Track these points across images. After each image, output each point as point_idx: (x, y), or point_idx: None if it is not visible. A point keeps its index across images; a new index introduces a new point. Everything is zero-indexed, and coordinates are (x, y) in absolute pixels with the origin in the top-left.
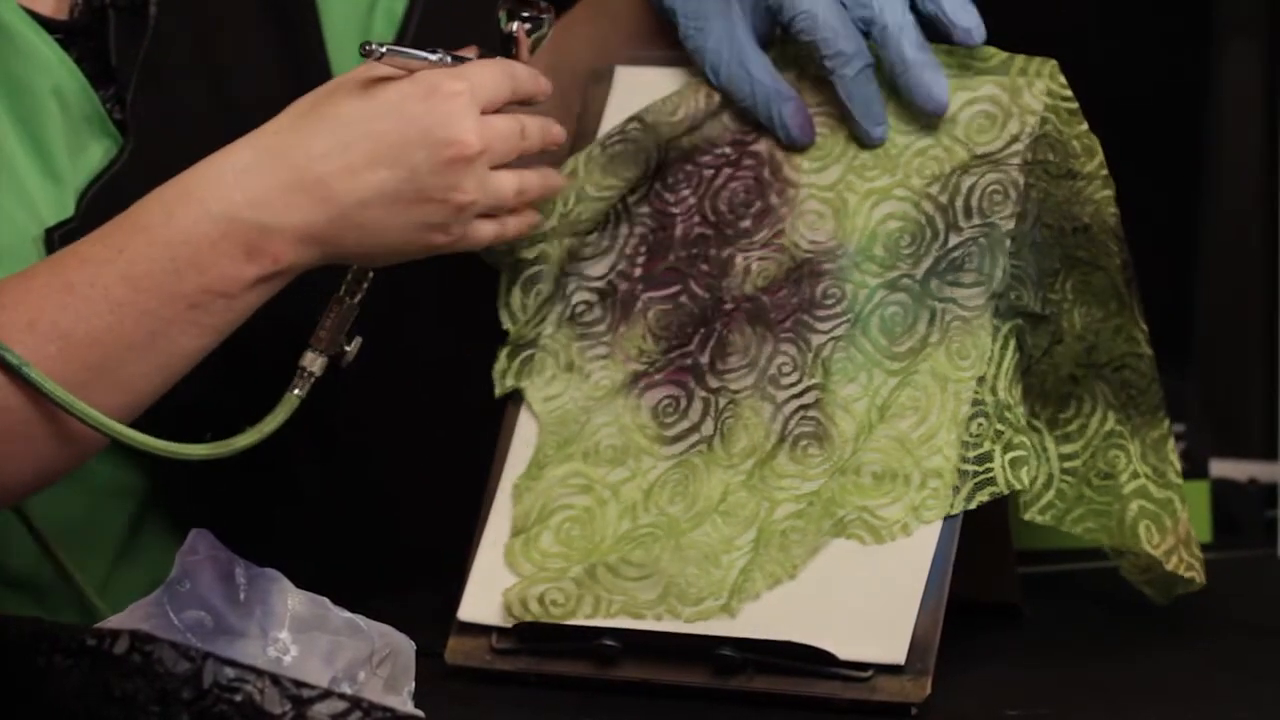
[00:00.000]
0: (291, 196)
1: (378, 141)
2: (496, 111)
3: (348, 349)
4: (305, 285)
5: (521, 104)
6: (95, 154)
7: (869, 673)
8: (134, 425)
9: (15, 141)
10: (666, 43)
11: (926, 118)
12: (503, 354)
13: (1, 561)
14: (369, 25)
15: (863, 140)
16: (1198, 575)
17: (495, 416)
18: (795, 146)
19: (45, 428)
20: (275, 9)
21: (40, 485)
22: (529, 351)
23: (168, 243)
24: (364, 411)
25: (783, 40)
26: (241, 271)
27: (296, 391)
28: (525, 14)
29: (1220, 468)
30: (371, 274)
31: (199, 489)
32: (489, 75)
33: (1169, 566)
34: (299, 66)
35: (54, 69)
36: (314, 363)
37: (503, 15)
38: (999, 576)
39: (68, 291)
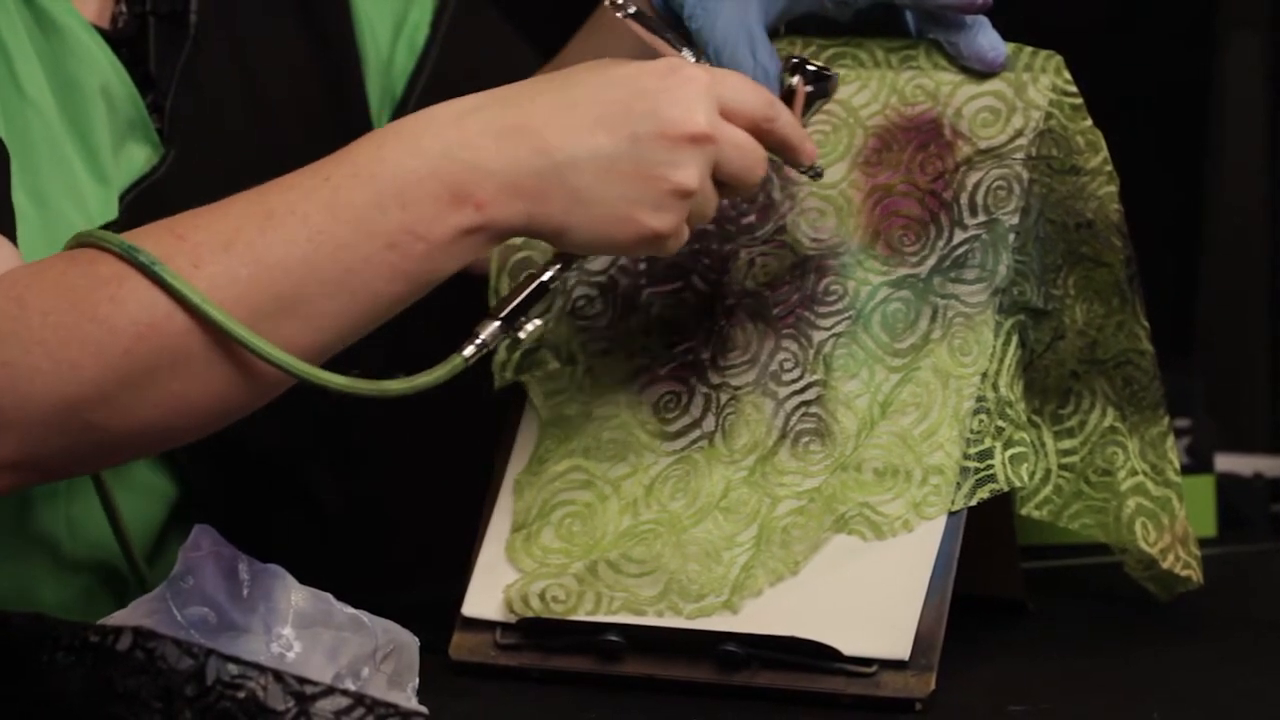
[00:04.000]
0: (505, 142)
1: (603, 107)
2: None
3: (528, 326)
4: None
5: (774, 151)
6: (137, 158)
7: (873, 668)
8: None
9: (68, 141)
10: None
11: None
12: (502, 347)
13: (63, 550)
14: (394, 49)
15: (985, 68)
16: (1194, 574)
17: (502, 412)
18: None
19: (225, 361)
20: (310, 18)
21: (222, 419)
22: (530, 345)
23: (374, 175)
24: (373, 409)
25: (787, 37)
26: (444, 216)
27: (465, 354)
28: (810, 70)
29: (1225, 462)
30: (575, 262)
31: (219, 493)
32: (740, 82)
33: (1165, 565)
34: (333, 77)
35: (103, 68)
36: (488, 330)
37: (785, 72)
38: (1003, 572)
39: (267, 217)
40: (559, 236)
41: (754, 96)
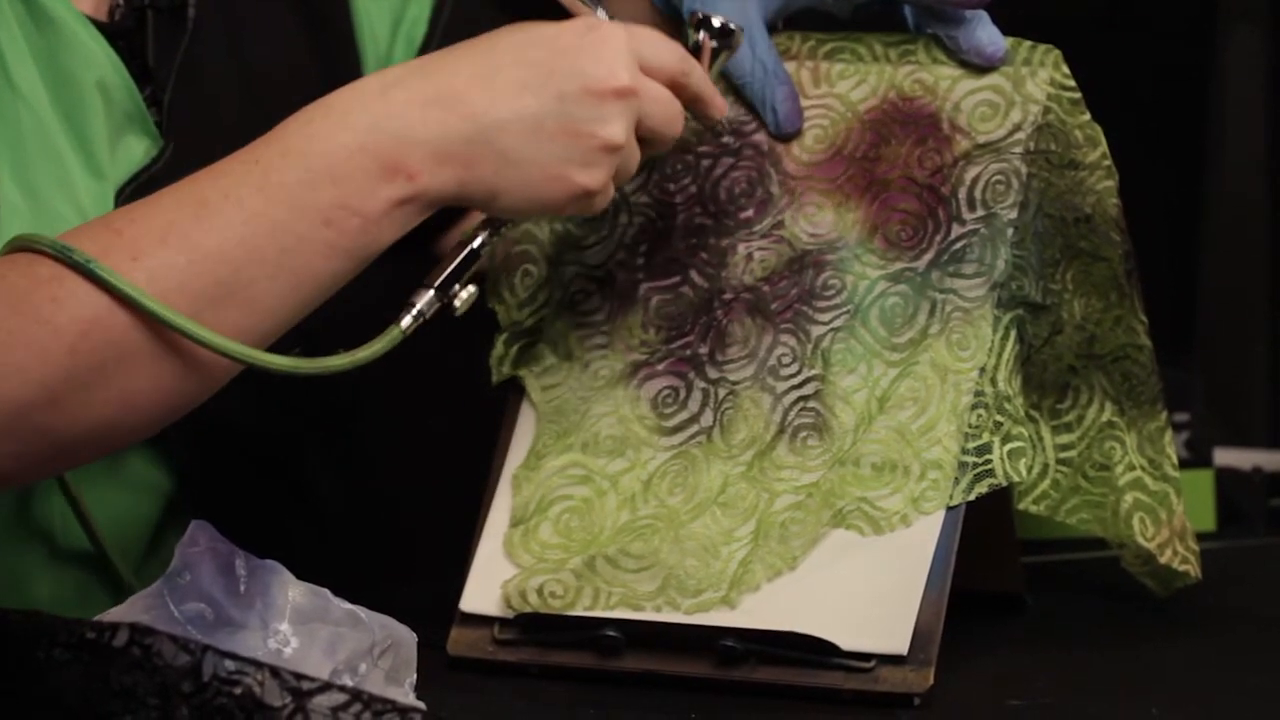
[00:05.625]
0: (431, 111)
1: (526, 68)
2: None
3: (461, 294)
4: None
5: (686, 106)
6: (135, 152)
7: (872, 663)
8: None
9: (61, 135)
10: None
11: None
12: (500, 340)
13: (57, 542)
14: (393, 44)
15: (985, 62)
16: (1192, 569)
17: (500, 406)
18: (781, 133)
19: (171, 353)
20: (309, 13)
21: (170, 415)
22: (527, 339)
23: (303, 152)
24: (371, 404)
25: (786, 32)
26: (376, 189)
27: (402, 325)
28: (714, 25)
29: (1224, 456)
30: (503, 227)
31: (218, 488)
32: (656, 39)
33: (1163, 560)
34: (332, 72)
35: (99, 63)
36: (423, 299)
37: (690, 28)
38: (1002, 566)
39: (201, 205)
40: (491, 200)
41: (669, 52)
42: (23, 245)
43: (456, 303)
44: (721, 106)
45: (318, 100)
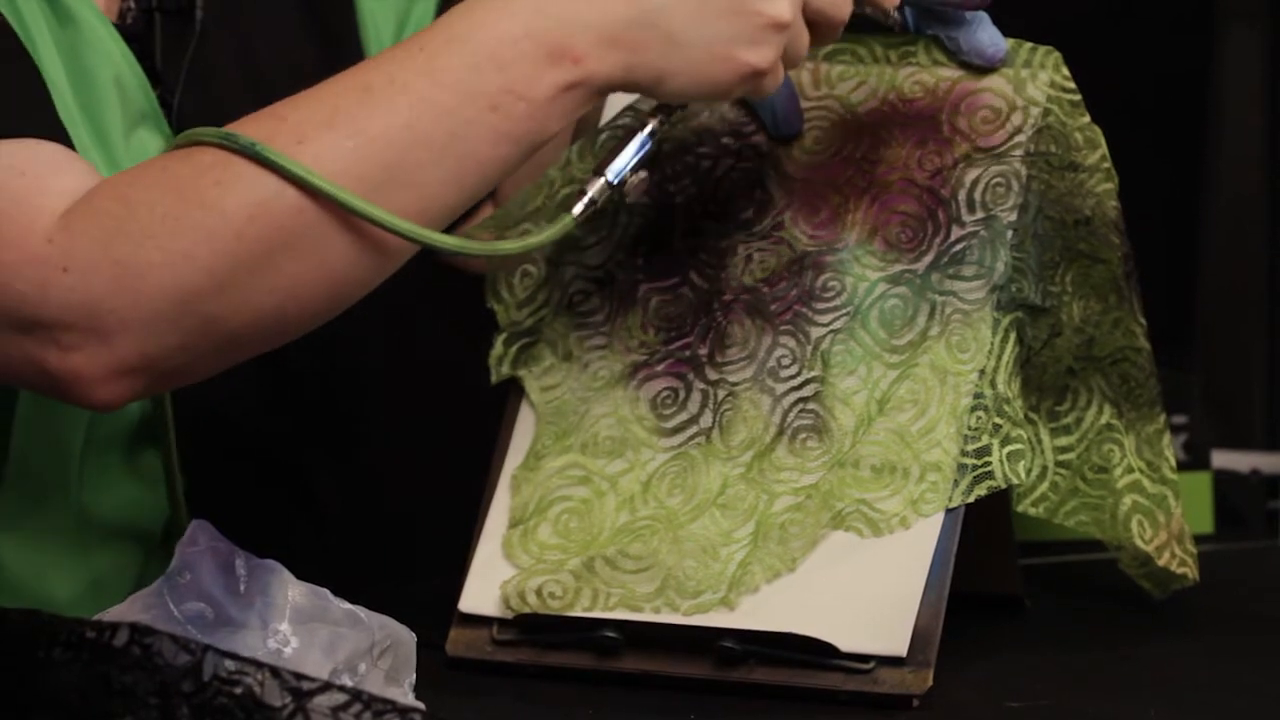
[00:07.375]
0: None
1: None
2: None
3: (632, 180)
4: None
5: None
6: (150, 147)
7: (871, 664)
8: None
9: (83, 127)
10: None
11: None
12: (499, 340)
13: (94, 544)
14: (401, 38)
15: (985, 64)
16: (1190, 571)
17: (499, 406)
18: (780, 134)
19: (336, 236)
20: (314, 14)
21: (335, 303)
22: (526, 340)
23: (467, 39)
24: (372, 404)
25: None
26: (542, 74)
27: (574, 213)
28: None
29: (1222, 459)
30: (673, 112)
31: (219, 487)
32: None
33: (1161, 562)
34: (336, 72)
35: (116, 60)
36: (595, 186)
37: None
38: (1000, 568)
39: (366, 90)
40: (658, 84)
41: None
42: (184, 141)
43: (627, 189)
44: None
45: None
